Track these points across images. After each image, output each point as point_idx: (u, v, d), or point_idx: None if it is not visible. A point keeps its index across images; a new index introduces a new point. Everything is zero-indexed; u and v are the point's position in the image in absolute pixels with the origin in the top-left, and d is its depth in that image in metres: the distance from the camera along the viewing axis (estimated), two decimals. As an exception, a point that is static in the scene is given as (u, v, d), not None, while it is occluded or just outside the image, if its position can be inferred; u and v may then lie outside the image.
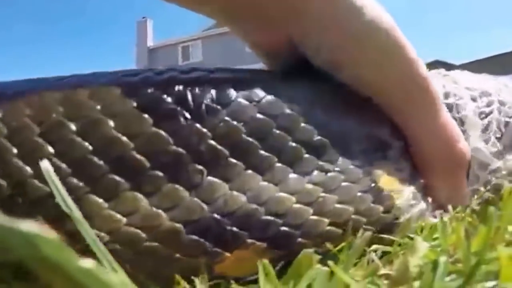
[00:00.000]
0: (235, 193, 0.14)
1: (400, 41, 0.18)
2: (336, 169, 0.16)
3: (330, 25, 0.17)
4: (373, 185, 0.16)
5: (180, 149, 0.13)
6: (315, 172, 0.15)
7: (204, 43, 12.89)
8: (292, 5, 0.18)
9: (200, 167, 0.13)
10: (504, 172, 0.21)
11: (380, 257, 0.14)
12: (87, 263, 0.06)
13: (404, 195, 0.17)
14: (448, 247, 0.12)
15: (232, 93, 0.15)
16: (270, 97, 0.15)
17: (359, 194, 0.16)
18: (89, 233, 0.10)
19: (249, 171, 0.14)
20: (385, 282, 0.12)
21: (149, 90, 0.14)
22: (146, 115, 0.13)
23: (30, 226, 0.06)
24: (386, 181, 0.16)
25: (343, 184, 0.15)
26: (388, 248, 0.14)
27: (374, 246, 0.14)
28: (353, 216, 0.15)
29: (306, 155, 0.15)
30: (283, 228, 0.14)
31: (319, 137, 0.16)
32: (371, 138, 0.17)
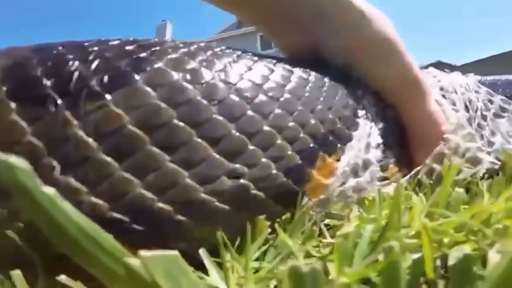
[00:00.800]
0: (97, 200, 0.12)
1: (399, 47, 0.22)
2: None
3: (346, 31, 0.22)
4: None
5: (36, 141, 0.12)
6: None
7: (220, 44, 13.08)
8: (316, 11, 0.22)
9: (54, 163, 0.12)
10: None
11: (329, 229, 0.15)
12: (49, 189, 0.07)
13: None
14: (381, 218, 0.14)
15: (129, 75, 0.13)
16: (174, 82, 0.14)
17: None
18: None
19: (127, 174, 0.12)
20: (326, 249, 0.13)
21: (23, 72, 0.13)
22: (11, 102, 0.12)
23: (13, 159, 0.07)
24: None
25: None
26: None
27: (327, 221, 0.16)
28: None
29: (196, 139, 0.14)
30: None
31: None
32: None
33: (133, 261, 0.07)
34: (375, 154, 0.20)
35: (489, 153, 0.25)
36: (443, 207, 0.14)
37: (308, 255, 0.13)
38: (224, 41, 13.18)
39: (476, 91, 0.29)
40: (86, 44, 0.14)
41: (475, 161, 0.23)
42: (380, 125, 0.22)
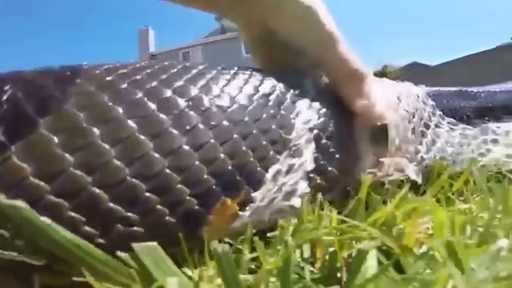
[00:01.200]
0: None
1: (333, 36, 0.25)
2: None
3: (278, 9, 0.25)
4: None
5: None
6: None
7: (204, 48, 13.13)
8: None
9: None
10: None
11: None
12: (44, 218, 0.12)
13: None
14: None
15: (33, 120, 0.13)
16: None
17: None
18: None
19: None
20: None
21: None
22: None
23: (18, 202, 0.12)
24: None
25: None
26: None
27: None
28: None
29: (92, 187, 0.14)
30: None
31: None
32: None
33: (123, 254, 0.12)
34: (303, 186, 0.20)
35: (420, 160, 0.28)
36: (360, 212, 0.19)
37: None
38: (209, 46, 13.17)
39: (424, 102, 0.31)
40: None
41: (400, 169, 0.25)
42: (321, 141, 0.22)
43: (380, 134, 0.25)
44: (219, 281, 0.13)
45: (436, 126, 0.31)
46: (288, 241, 0.12)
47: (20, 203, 0.11)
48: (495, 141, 0.32)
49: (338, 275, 0.14)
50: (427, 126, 0.30)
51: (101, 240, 0.13)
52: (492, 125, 0.33)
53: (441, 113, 0.32)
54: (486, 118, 0.33)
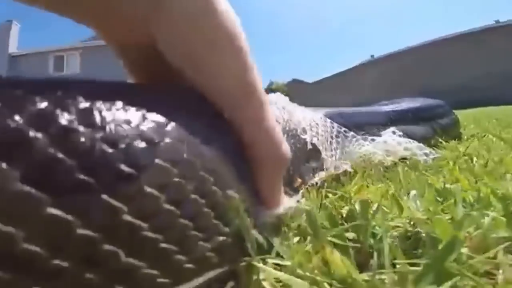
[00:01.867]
0: None
1: (239, 42, 0.18)
2: None
3: (180, 21, 0.17)
4: None
5: None
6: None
7: (83, 54, 11.76)
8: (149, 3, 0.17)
9: None
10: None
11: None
12: None
13: None
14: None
15: None
16: None
17: None
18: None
19: None
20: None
21: None
22: None
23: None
24: None
25: None
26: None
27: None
28: None
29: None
30: None
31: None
32: None
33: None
34: None
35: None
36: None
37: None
38: (91, 50, 11.72)
39: (324, 122, 0.41)
40: None
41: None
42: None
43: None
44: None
45: (336, 136, 0.42)
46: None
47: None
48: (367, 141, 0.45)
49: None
50: (332, 138, 0.41)
51: None
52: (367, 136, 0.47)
53: (336, 126, 0.43)
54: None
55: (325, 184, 0.33)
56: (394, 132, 0.48)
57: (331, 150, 0.39)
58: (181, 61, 0.17)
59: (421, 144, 0.46)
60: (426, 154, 0.44)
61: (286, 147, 0.20)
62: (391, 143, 0.46)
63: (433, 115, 0.67)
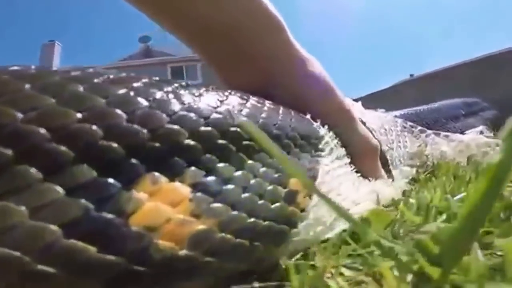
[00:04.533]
0: None
1: (331, 86, 0.29)
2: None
3: (291, 75, 0.27)
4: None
5: None
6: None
7: (125, 72, 10.83)
8: (269, 54, 0.27)
9: None
10: None
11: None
12: None
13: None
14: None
15: None
16: None
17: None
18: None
19: None
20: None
21: None
22: None
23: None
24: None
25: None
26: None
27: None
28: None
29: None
30: None
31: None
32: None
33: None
34: None
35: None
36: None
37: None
38: (129, 70, 10.81)
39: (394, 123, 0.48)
40: None
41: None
42: None
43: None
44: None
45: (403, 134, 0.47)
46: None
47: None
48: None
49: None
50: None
51: None
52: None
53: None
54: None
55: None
56: (482, 132, 0.53)
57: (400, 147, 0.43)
58: (294, 100, 0.25)
59: None
60: None
61: (375, 141, 0.31)
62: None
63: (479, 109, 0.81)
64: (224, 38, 0.26)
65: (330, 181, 0.21)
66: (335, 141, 0.25)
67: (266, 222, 0.15)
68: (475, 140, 0.48)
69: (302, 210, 0.18)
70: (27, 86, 0.11)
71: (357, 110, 0.39)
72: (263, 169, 0.17)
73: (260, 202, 0.15)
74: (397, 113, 0.55)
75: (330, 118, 0.26)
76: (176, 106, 0.14)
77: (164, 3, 0.24)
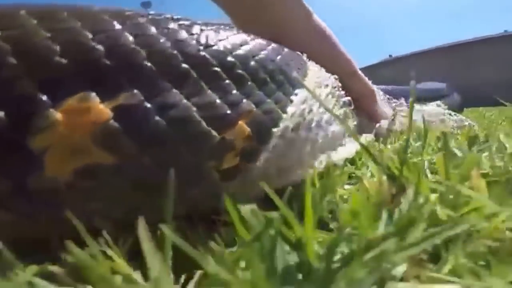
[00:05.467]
0: None
1: (339, 48, 0.36)
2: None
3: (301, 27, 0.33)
4: None
5: None
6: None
7: None
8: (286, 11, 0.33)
9: None
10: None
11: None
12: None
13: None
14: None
15: None
16: None
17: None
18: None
19: None
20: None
21: None
22: None
23: None
24: None
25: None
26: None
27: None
28: None
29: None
30: None
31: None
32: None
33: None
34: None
35: None
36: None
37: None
38: None
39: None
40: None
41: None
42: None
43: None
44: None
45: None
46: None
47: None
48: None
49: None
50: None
51: None
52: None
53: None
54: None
55: None
56: (438, 105, 0.63)
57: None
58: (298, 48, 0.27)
59: (463, 117, 0.58)
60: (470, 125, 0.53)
61: (372, 85, 0.40)
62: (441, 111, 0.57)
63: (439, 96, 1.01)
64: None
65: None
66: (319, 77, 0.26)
67: None
68: (434, 110, 0.58)
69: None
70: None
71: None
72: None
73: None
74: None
75: (330, 63, 0.29)
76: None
77: None
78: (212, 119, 0.14)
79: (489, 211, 0.13)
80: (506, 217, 0.12)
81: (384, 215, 0.12)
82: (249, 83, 0.17)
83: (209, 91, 0.15)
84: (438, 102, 0.66)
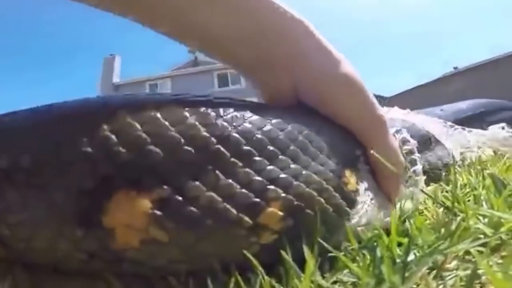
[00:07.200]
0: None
1: (362, 86, 0.26)
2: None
3: (315, 71, 0.26)
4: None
5: None
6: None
7: (173, 80, 11.81)
8: (292, 52, 0.25)
9: None
10: None
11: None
12: None
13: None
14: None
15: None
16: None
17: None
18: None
19: None
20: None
21: None
22: None
23: None
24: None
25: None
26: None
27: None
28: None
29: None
30: None
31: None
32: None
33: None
34: None
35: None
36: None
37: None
38: (179, 78, 11.81)
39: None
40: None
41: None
42: None
43: None
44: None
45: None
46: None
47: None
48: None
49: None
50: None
51: None
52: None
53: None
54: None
55: None
56: (503, 128, 0.54)
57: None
58: (317, 100, 0.25)
59: None
60: None
61: (401, 159, 0.28)
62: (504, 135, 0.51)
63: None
64: (245, 43, 0.25)
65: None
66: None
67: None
68: (498, 134, 0.51)
69: None
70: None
71: (397, 116, 0.44)
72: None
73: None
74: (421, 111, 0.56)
75: (360, 124, 0.26)
76: None
77: (174, 15, 0.24)
78: None
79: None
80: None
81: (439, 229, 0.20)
82: None
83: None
84: (503, 124, 0.55)
